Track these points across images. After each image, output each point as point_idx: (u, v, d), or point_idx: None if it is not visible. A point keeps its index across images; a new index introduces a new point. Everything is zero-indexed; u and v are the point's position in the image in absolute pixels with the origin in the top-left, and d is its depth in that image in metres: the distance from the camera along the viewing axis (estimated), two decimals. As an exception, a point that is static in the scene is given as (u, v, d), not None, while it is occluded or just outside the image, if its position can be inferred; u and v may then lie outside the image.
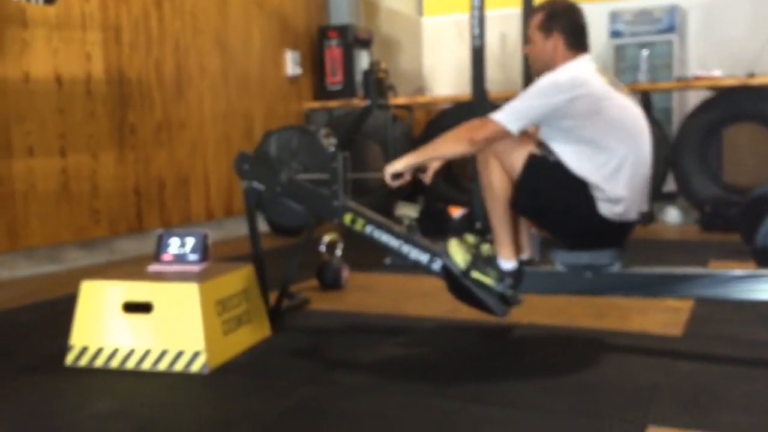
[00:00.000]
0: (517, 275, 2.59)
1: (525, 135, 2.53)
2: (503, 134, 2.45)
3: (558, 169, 2.46)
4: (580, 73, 2.44)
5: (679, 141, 5.97)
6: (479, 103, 4.33)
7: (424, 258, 2.79)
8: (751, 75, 5.86)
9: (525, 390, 2.26)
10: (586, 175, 2.43)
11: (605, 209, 2.45)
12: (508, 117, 2.43)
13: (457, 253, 2.63)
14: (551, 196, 2.49)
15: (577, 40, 2.54)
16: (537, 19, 2.57)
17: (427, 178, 2.86)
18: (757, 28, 7.25)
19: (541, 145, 2.52)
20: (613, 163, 2.42)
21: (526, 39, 2.64)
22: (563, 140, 2.46)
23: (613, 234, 2.52)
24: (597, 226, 2.47)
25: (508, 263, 2.59)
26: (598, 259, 2.51)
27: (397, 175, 2.68)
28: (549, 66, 2.52)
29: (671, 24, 7.79)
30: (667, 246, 5.02)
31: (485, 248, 2.64)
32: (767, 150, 5.96)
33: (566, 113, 2.40)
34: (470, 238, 2.70)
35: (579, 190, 2.44)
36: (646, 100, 5.89)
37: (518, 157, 2.49)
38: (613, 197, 2.43)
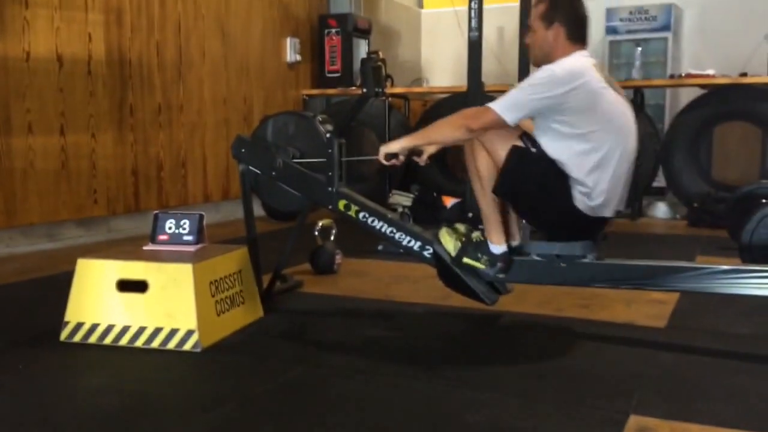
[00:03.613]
0: (508, 259, 2.64)
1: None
2: (499, 124, 2.47)
3: (539, 161, 2.50)
4: (578, 67, 2.46)
5: (670, 137, 6.02)
6: (475, 94, 4.38)
7: (415, 245, 2.83)
8: (743, 74, 5.91)
9: (511, 376, 2.31)
10: (570, 168, 2.47)
11: (582, 203, 2.49)
12: (505, 107, 2.45)
13: (448, 241, 2.68)
14: (530, 186, 2.53)
15: (578, 32, 2.56)
16: (540, 8, 2.58)
17: (422, 161, 2.86)
18: (751, 28, 7.29)
19: (525, 136, 2.56)
20: (597, 158, 2.46)
21: (527, 28, 2.67)
22: (552, 133, 2.49)
23: (587, 227, 2.57)
24: (571, 219, 2.52)
25: (498, 248, 2.63)
26: (569, 250, 2.56)
27: (391, 156, 2.70)
28: (548, 56, 2.54)
29: (666, 22, 7.84)
30: (655, 240, 5.08)
31: (475, 235, 2.69)
32: (756, 148, 6.03)
33: (562, 106, 2.43)
34: (461, 227, 2.74)
35: (557, 182, 2.49)
36: (638, 96, 5.94)
37: (503, 147, 2.53)
38: (592, 191, 2.47)
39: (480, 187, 2.63)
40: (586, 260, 2.57)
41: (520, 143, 2.54)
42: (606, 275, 2.59)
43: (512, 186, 2.55)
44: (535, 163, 2.51)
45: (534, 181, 2.53)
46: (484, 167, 2.58)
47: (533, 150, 2.52)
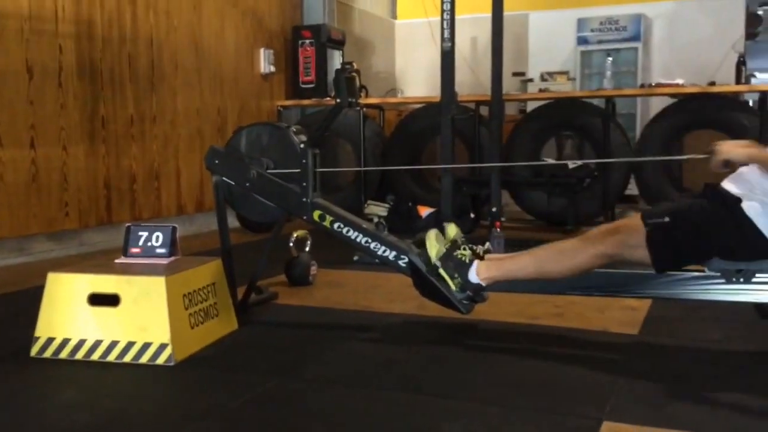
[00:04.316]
0: (478, 291, 2.63)
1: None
2: None
3: (684, 222, 2.36)
4: None
5: (641, 146, 6.10)
6: (448, 104, 4.41)
7: (391, 254, 2.83)
8: (712, 84, 6.02)
9: (487, 385, 2.32)
10: None
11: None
12: None
13: (433, 246, 2.65)
14: (700, 244, 2.38)
15: None
16: None
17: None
18: (719, 39, 7.44)
19: (644, 214, 2.43)
20: None
21: None
22: None
23: None
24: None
25: (476, 278, 2.59)
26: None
27: (728, 162, 2.40)
28: None
29: (636, 32, 7.97)
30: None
31: (464, 252, 2.64)
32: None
33: None
34: (452, 232, 2.70)
35: (726, 218, 2.34)
36: (610, 105, 6.02)
37: (636, 235, 2.37)
38: None
39: (555, 261, 2.49)
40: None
41: (642, 225, 2.38)
42: (587, 282, 2.57)
43: (678, 257, 2.42)
44: (680, 226, 2.36)
45: (700, 239, 2.37)
46: (585, 261, 2.44)
47: (667, 220, 2.37)
